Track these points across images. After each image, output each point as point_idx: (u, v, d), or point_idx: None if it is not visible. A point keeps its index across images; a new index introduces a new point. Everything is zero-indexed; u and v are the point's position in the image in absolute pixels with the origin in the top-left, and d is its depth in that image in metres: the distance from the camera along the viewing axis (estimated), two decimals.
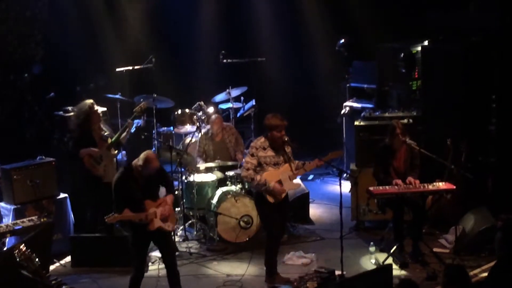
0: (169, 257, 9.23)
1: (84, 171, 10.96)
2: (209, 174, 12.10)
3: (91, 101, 11.22)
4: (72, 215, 11.34)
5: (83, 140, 10.99)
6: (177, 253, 11.01)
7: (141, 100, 12.67)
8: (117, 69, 13.91)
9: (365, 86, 14.10)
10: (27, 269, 6.64)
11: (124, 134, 11.25)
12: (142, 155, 8.98)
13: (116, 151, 11.22)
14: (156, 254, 10.76)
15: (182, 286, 9.69)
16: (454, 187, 10.55)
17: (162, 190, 9.31)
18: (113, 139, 11.10)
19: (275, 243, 9.92)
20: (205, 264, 10.79)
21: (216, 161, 12.11)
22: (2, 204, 10.99)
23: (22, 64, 13.66)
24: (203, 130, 12.56)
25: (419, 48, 12.90)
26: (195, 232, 11.78)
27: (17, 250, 6.72)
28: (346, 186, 11.71)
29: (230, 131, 12.47)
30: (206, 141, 12.32)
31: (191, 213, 11.73)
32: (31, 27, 13.59)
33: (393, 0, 14.82)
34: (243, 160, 11.75)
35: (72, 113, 11.78)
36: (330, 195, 13.07)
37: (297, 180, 10.65)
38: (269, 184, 9.57)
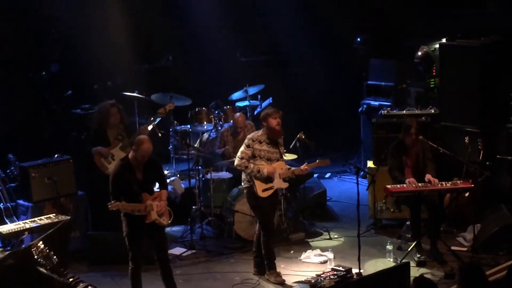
0: (163, 252, 9.27)
1: (97, 170, 11.00)
2: (226, 172, 12.13)
3: (112, 101, 11.28)
4: (90, 213, 11.37)
5: (97, 139, 11.06)
6: (194, 251, 11.08)
7: (171, 101, 12.63)
8: (135, 68, 13.93)
9: (383, 83, 14.07)
10: (45, 266, 6.66)
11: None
12: (136, 139, 9.11)
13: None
14: (173, 252, 10.82)
15: (200, 284, 9.75)
16: (472, 185, 10.52)
17: None
18: (127, 141, 11.10)
19: (270, 237, 9.99)
20: (222, 262, 10.81)
21: (233, 158, 12.11)
22: (20, 201, 11.04)
23: (40, 63, 13.71)
24: (226, 126, 12.59)
25: (437, 46, 12.86)
26: (212, 230, 11.80)
27: (35, 248, 6.74)
28: (364, 184, 11.68)
29: (251, 129, 12.47)
30: (227, 138, 12.34)
31: (208, 211, 11.74)
32: (49, 26, 13.63)
33: None
34: None
35: (93, 111, 11.86)
36: (348, 193, 13.06)
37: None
38: (263, 170, 9.70)
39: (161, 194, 9.18)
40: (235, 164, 9.98)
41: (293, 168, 10.11)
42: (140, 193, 8.97)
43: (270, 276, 9.97)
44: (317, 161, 10.19)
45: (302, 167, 10.12)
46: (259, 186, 9.81)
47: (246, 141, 9.93)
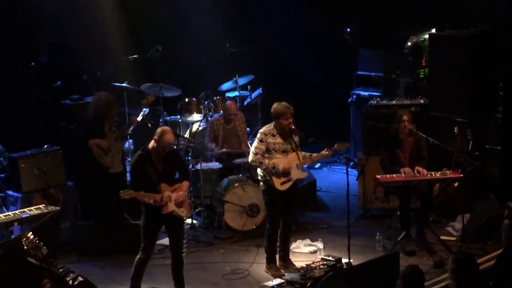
0: (177, 244, 9.19)
1: (91, 161, 10.97)
2: (216, 162, 12.13)
3: (109, 92, 11.26)
4: (80, 203, 11.35)
5: (93, 130, 11.00)
6: (184, 241, 11.07)
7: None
8: (124, 58, 13.90)
9: (372, 74, 14.08)
10: (35, 257, 6.64)
11: (128, 130, 11.34)
12: (158, 129, 9.00)
13: (121, 143, 11.23)
14: (163, 242, 10.82)
15: (190, 274, 9.72)
16: (461, 175, 10.55)
17: None
18: (119, 132, 11.09)
19: (276, 230, 9.93)
20: (212, 252, 10.82)
21: (223, 148, 12.12)
22: (10, 192, 11.02)
23: (29, 53, 13.65)
24: (215, 115, 12.58)
25: (427, 36, 12.87)
26: (202, 220, 11.81)
27: (24, 238, 6.72)
28: (353, 174, 11.69)
29: (241, 119, 12.47)
30: (217, 127, 12.31)
31: (198, 201, 11.75)
32: (38, 17, 13.57)
33: None
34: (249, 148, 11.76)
35: (90, 101, 11.74)
36: (337, 183, 13.06)
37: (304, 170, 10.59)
38: (279, 167, 9.56)
39: (182, 185, 9.10)
40: (249, 160, 9.85)
41: (314, 154, 9.91)
42: (159, 183, 8.90)
43: (270, 269, 9.95)
44: (336, 145, 9.94)
45: (323, 152, 9.90)
46: (277, 180, 9.64)
47: (258, 135, 9.76)
